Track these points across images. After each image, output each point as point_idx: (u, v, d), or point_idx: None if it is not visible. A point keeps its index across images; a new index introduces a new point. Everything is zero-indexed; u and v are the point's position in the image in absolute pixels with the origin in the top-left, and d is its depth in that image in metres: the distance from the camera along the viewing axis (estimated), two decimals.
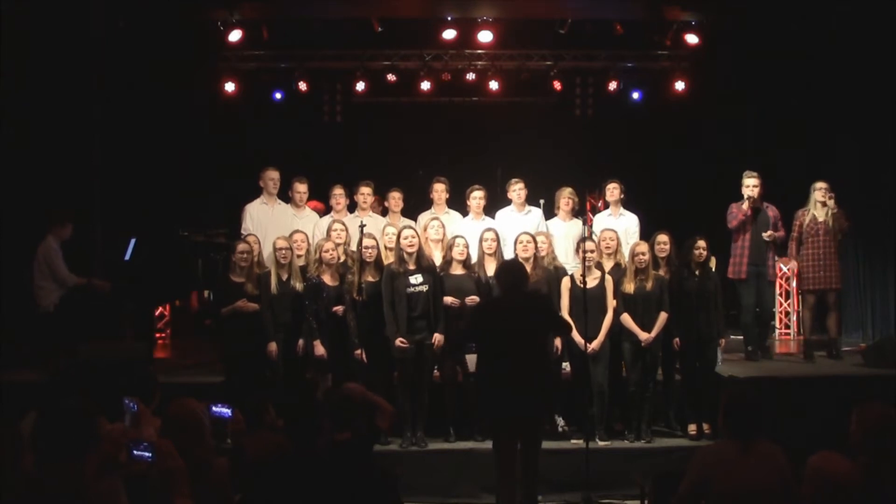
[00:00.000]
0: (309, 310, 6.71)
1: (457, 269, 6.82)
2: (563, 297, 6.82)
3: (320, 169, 9.68)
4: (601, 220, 8.11)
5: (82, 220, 7.91)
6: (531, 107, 11.18)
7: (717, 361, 7.16)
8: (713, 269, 7.32)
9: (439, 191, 8.01)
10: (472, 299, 6.69)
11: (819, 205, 7.68)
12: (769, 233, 7.75)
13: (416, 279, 6.65)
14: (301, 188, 8.06)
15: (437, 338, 6.67)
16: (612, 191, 8.09)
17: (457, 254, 6.80)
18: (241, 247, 6.96)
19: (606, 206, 8.41)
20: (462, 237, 6.94)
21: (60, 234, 7.44)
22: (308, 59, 10.64)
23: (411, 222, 7.87)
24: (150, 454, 3.65)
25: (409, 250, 6.69)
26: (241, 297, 6.83)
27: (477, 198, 7.78)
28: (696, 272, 6.93)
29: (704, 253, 6.93)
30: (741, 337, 8.02)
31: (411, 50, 10.69)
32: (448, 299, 6.71)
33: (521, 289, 5.53)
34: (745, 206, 7.72)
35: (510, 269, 5.68)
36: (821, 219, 7.67)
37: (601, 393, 6.76)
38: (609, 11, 10.12)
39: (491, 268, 6.85)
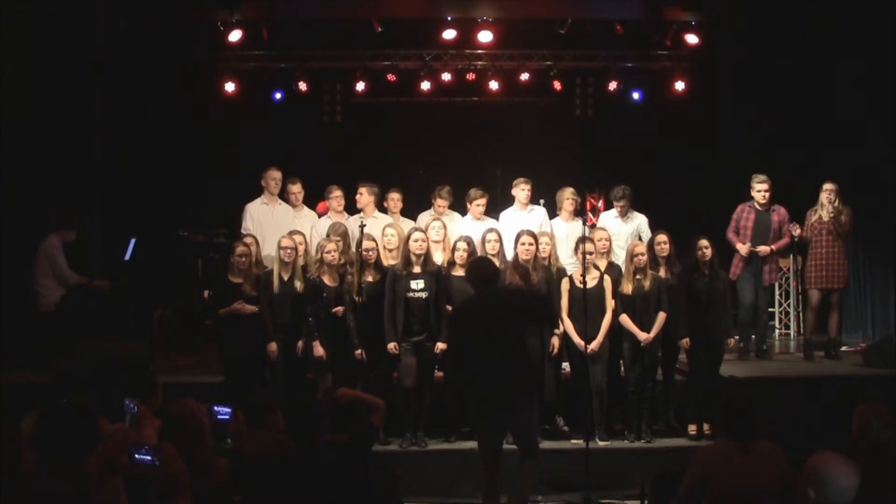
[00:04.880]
0: (309, 310, 6.71)
1: (460, 272, 6.78)
2: (562, 298, 6.83)
3: (320, 169, 9.68)
4: (607, 221, 8.11)
5: (82, 219, 7.91)
6: (531, 107, 11.18)
7: (721, 362, 7.15)
8: (721, 269, 7.33)
9: (441, 205, 7.96)
10: None
11: (823, 205, 7.75)
12: (763, 248, 7.85)
13: (416, 284, 6.64)
14: (294, 189, 8.09)
15: (440, 346, 6.65)
16: (620, 207, 8.09)
17: (458, 257, 6.79)
18: (240, 249, 6.95)
19: (607, 206, 8.41)
20: (464, 239, 6.92)
21: (65, 237, 7.47)
22: (308, 59, 10.63)
23: (414, 223, 7.87)
24: (152, 457, 3.65)
25: (418, 252, 6.68)
26: (239, 297, 6.82)
27: (480, 204, 7.77)
28: (706, 272, 6.91)
29: (708, 252, 6.92)
30: (737, 336, 8.06)
31: (411, 50, 10.68)
32: (450, 308, 6.69)
33: (492, 285, 5.53)
34: (744, 250, 7.87)
35: (479, 267, 5.68)
36: (825, 218, 7.75)
37: (600, 393, 6.76)
38: (609, 11, 10.12)
39: None
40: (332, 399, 4.69)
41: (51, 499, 3.47)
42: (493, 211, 8.11)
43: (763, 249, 7.87)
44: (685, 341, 6.86)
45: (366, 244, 6.74)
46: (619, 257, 7.47)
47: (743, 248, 7.87)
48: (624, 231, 7.94)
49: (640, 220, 8.12)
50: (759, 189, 7.92)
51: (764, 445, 3.98)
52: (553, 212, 8.05)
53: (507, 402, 5.20)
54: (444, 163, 10.01)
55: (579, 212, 7.97)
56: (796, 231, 7.80)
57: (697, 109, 10.52)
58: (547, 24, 10.27)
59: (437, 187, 8.06)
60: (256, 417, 4.74)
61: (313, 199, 8.54)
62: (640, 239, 7.70)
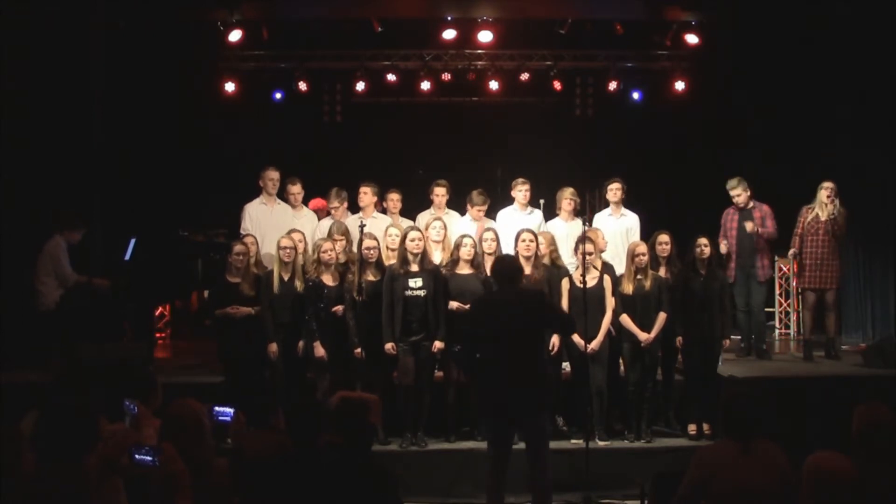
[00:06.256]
0: (309, 311, 6.71)
1: (464, 269, 6.78)
2: (563, 298, 6.82)
3: (320, 169, 9.69)
4: (601, 220, 8.12)
5: (82, 219, 7.91)
6: (531, 107, 11.18)
7: (718, 361, 7.16)
8: (720, 270, 7.34)
9: (440, 195, 7.99)
10: None
11: (823, 204, 7.75)
12: (751, 225, 7.91)
13: (415, 283, 6.63)
14: (294, 189, 8.07)
15: (437, 345, 6.64)
16: (615, 191, 8.08)
17: (464, 254, 6.78)
18: (238, 248, 6.94)
19: (605, 205, 8.41)
20: (470, 237, 6.91)
21: (70, 238, 7.47)
22: (308, 59, 10.65)
23: (412, 223, 7.87)
24: (152, 457, 3.66)
25: (415, 251, 6.68)
26: (237, 297, 6.80)
27: (481, 210, 7.77)
28: (702, 272, 6.91)
29: (707, 250, 6.91)
30: (738, 336, 8.07)
31: (411, 50, 10.69)
32: (454, 304, 6.68)
33: (515, 284, 5.52)
34: (723, 248, 7.98)
35: (505, 264, 5.67)
36: (822, 218, 7.75)
37: (600, 393, 6.76)
38: (609, 11, 10.13)
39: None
40: (327, 406, 4.69)
41: (51, 499, 3.48)
42: (492, 212, 8.11)
43: (749, 225, 7.93)
44: (678, 340, 6.88)
45: (367, 243, 6.73)
46: (612, 255, 7.49)
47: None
48: (616, 229, 7.93)
49: (632, 221, 8.11)
50: (733, 195, 8.08)
51: (764, 445, 3.98)
52: (552, 212, 8.05)
53: (518, 403, 5.19)
54: (444, 163, 10.00)
55: (579, 212, 7.96)
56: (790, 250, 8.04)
57: (697, 109, 10.52)
58: (547, 24, 10.29)
59: (434, 181, 8.07)
60: (257, 417, 4.74)
61: (312, 199, 8.56)
62: (626, 239, 7.72)
